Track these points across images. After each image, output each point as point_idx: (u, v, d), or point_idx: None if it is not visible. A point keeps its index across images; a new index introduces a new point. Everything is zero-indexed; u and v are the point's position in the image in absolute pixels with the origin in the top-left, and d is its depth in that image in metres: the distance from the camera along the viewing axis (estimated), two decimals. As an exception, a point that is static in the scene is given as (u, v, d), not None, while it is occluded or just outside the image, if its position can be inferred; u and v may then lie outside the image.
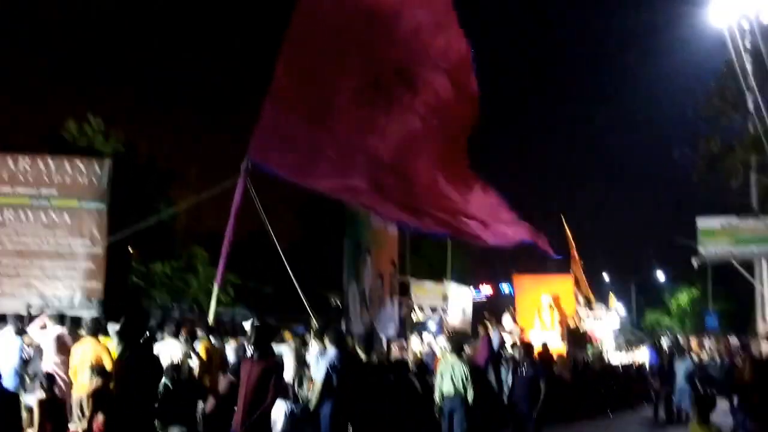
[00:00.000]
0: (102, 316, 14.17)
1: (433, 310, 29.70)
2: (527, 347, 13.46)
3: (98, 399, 9.52)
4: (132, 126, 19.97)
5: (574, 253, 28.74)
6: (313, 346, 12.44)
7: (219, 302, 17.72)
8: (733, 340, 19.73)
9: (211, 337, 11.64)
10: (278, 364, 8.81)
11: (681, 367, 17.37)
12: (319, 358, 11.53)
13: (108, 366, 9.88)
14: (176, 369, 10.15)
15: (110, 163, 16.70)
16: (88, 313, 15.13)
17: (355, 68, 11.39)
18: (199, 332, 11.75)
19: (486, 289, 41.24)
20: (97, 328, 11.30)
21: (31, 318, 13.66)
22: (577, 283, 26.62)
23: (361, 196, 11.63)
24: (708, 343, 19.66)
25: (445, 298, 30.61)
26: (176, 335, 11.69)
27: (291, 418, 11.25)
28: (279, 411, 10.29)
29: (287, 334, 12.87)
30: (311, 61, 11.22)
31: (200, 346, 11.30)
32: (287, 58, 10.84)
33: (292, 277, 11.57)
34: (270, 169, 11.08)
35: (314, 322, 12.84)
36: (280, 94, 10.93)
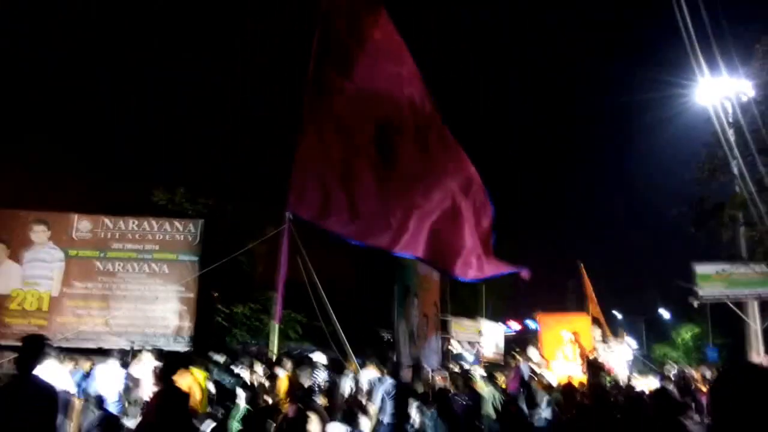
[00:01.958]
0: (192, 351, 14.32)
1: (470, 343, 29.67)
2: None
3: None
4: (217, 190, 20.07)
5: (592, 294, 28.42)
6: (366, 372, 11.86)
7: (288, 338, 18.24)
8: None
9: (281, 368, 11.26)
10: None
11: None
12: (376, 384, 10.86)
13: (198, 395, 9.78)
14: (254, 395, 9.91)
15: (202, 223, 17.07)
16: (180, 348, 15.42)
17: (364, 130, 11.28)
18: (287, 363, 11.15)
19: (515, 326, 40.69)
20: (189, 362, 11.05)
21: (134, 352, 13.77)
22: (594, 320, 26.02)
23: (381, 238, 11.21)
24: (708, 373, 19.14)
25: (480, 333, 30.56)
26: (251, 366, 11.55)
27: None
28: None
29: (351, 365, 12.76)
30: (329, 131, 11.11)
31: (282, 375, 10.79)
32: (310, 127, 10.93)
33: (333, 319, 11.27)
34: (307, 221, 10.98)
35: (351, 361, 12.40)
36: (307, 155, 10.79)
